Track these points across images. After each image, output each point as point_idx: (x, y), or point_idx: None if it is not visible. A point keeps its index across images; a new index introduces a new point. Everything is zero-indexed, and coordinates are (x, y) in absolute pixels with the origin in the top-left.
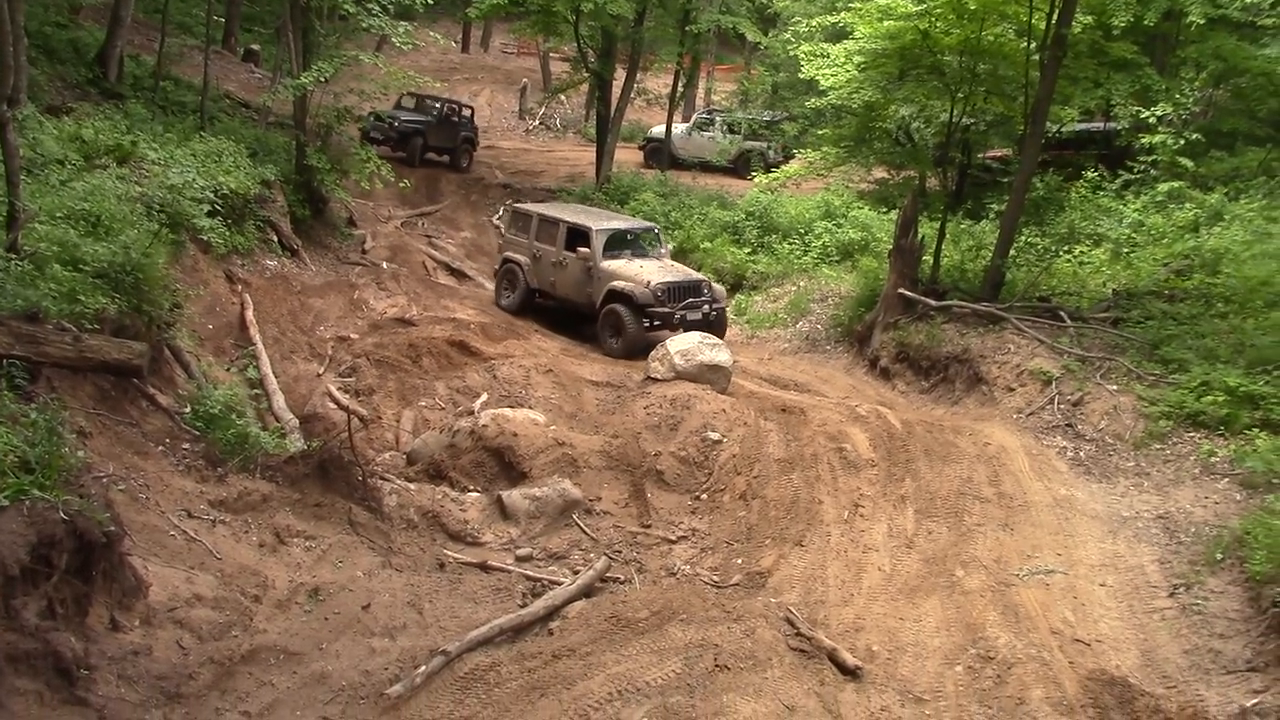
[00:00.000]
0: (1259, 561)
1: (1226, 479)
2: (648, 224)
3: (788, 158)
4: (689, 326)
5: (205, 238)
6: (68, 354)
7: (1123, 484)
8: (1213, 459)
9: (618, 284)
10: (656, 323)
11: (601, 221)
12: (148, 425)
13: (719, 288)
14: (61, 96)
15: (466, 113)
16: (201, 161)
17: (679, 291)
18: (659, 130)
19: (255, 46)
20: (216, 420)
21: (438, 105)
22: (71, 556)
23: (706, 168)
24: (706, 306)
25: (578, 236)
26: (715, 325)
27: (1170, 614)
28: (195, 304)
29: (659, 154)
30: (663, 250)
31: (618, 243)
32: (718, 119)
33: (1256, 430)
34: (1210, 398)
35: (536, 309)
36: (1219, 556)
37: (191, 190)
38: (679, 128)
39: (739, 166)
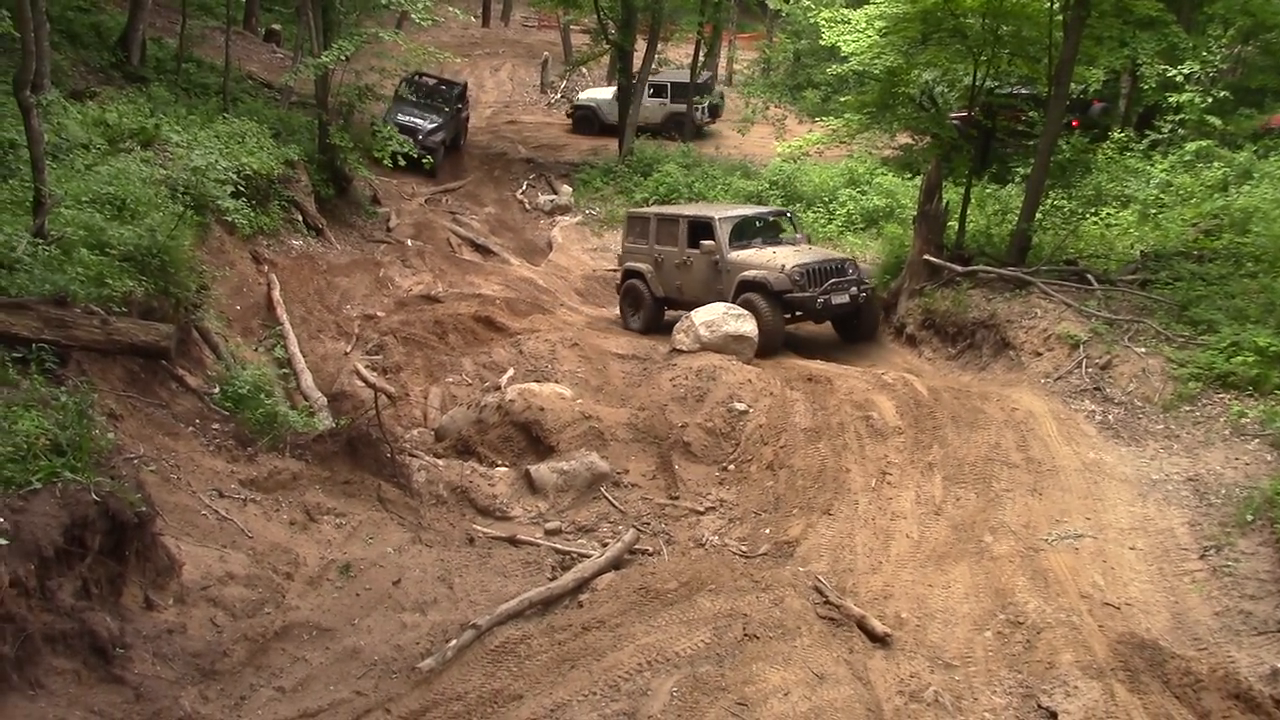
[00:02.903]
0: None
1: (1257, 440)
2: (778, 208)
3: (714, 118)
4: (834, 312)
5: (230, 219)
6: (96, 337)
7: (1152, 447)
8: (1243, 420)
9: (750, 273)
10: (797, 311)
11: (725, 210)
12: (177, 406)
13: (866, 267)
14: (85, 81)
15: (461, 91)
16: (225, 143)
17: (820, 274)
18: (586, 96)
19: (276, 26)
20: (245, 400)
21: (443, 91)
22: (104, 537)
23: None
24: (854, 288)
25: (700, 230)
26: (865, 308)
27: (1201, 576)
28: (222, 285)
29: (588, 121)
30: (799, 235)
31: (746, 231)
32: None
33: None
34: (1240, 358)
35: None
36: (1249, 518)
37: (215, 172)
38: (606, 93)
39: (668, 128)
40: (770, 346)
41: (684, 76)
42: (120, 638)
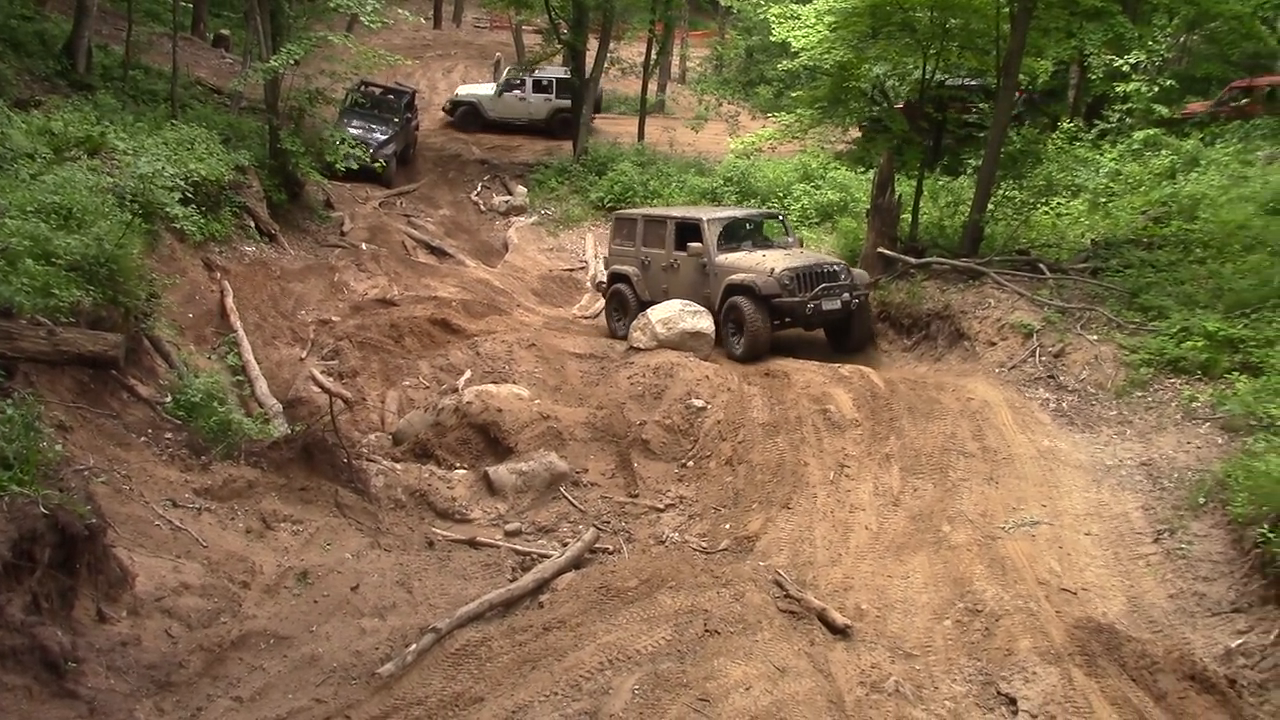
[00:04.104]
0: (1241, 504)
1: (1208, 423)
2: (769, 211)
3: (595, 111)
4: (825, 319)
5: (179, 226)
6: (43, 348)
7: (1106, 433)
8: (1194, 404)
9: (737, 277)
10: (785, 318)
11: (714, 211)
12: (129, 416)
13: (860, 272)
14: (30, 90)
15: (409, 99)
16: (173, 149)
17: (810, 278)
18: (466, 91)
19: (225, 31)
20: (198, 408)
21: (390, 101)
22: (54, 551)
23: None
24: (846, 294)
25: (688, 232)
26: (858, 315)
27: (1155, 559)
28: (174, 293)
29: (470, 117)
30: (791, 239)
31: (735, 233)
32: (527, 79)
33: (1236, 374)
34: (1190, 343)
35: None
36: (1202, 500)
37: (162, 179)
38: (488, 88)
39: (553, 124)
40: (755, 353)
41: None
42: (72, 651)
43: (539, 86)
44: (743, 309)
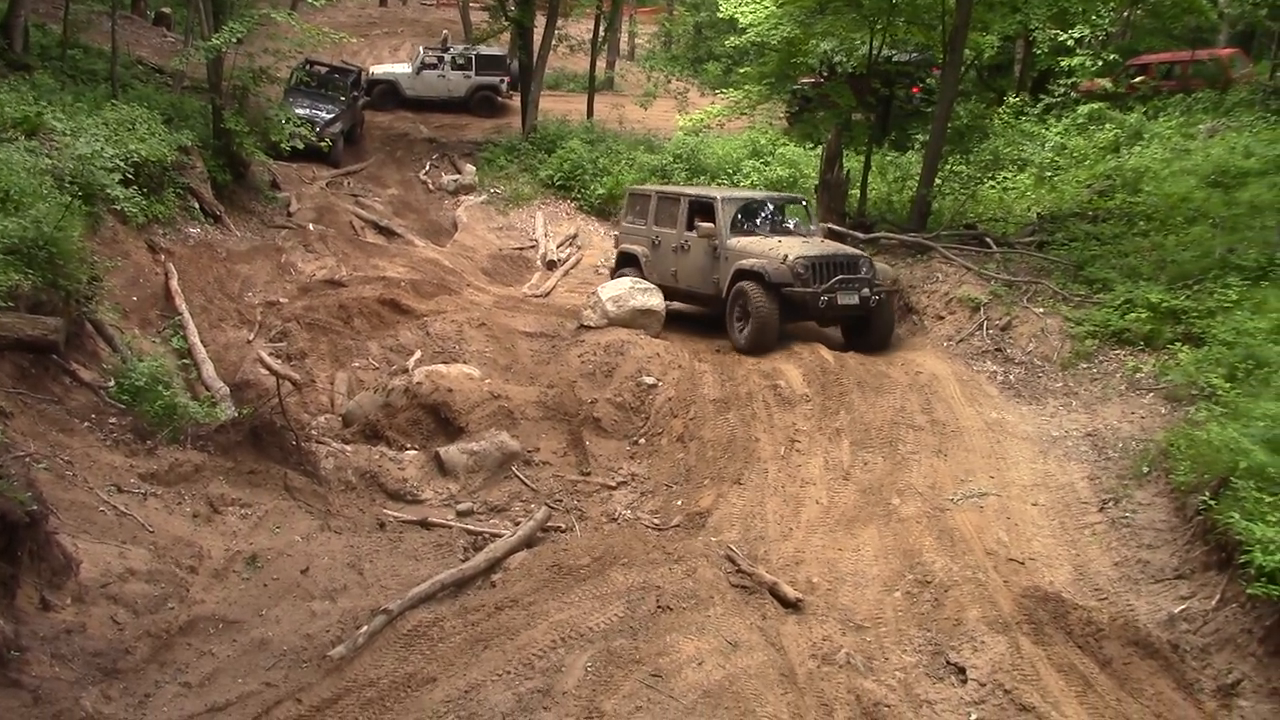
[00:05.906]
0: (1183, 472)
1: (1151, 393)
2: (791, 195)
3: (513, 89)
4: (841, 313)
5: (121, 208)
6: None
7: (1052, 404)
8: (1138, 375)
9: (747, 262)
10: (797, 310)
11: (730, 191)
12: (71, 402)
13: (884, 267)
14: None
15: (356, 78)
16: (113, 130)
17: (826, 268)
18: (383, 70)
19: (166, 10)
20: (143, 392)
21: (336, 80)
22: None
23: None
24: (865, 289)
25: (700, 211)
26: (877, 313)
27: (1100, 528)
28: (117, 276)
29: (388, 95)
30: (814, 227)
31: (751, 216)
32: (445, 57)
33: (1179, 344)
34: (1134, 315)
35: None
36: (1145, 470)
37: (102, 160)
38: (405, 67)
39: (473, 102)
40: (762, 345)
41: (490, 50)
42: (15, 640)
43: (458, 64)
44: (750, 296)
